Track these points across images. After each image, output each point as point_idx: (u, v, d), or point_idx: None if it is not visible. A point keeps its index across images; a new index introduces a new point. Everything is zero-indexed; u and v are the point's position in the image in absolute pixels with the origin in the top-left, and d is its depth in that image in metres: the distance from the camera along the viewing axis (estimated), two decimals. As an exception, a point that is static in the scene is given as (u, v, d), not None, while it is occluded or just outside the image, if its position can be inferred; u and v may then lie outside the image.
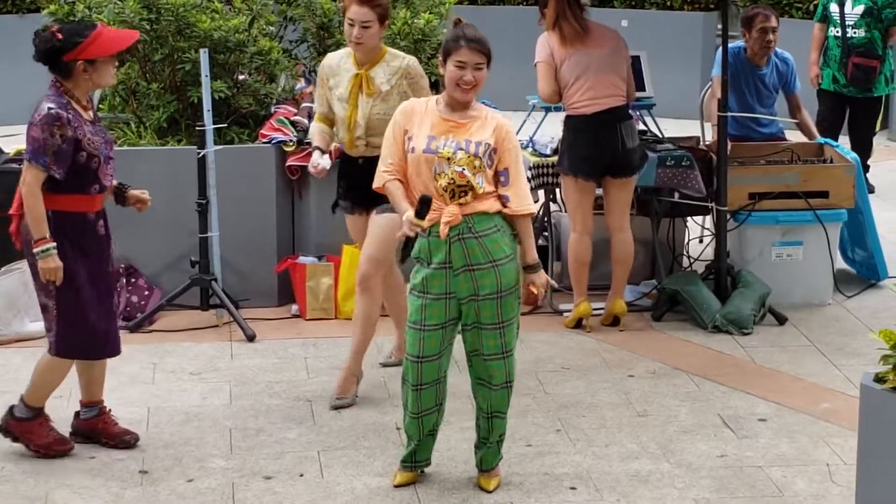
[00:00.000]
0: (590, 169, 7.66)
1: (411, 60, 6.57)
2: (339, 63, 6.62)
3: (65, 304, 5.92)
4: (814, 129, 8.86)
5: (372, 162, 6.04)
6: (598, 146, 7.59)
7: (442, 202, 5.50)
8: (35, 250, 5.82)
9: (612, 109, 7.62)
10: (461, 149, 5.49)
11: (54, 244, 5.81)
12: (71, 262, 5.90)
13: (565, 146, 7.75)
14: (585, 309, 7.74)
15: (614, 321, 7.82)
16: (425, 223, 5.44)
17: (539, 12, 7.82)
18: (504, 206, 5.55)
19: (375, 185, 5.67)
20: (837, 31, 10.16)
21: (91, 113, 6.02)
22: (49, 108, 5.82)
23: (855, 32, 10.15)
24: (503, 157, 5.54)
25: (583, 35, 7.63)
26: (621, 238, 7.78)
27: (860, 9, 10.15)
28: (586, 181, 7.66)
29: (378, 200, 6.24)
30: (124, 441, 6.23)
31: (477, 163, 5.49)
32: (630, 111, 7.81)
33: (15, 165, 7.80)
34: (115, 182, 6.13)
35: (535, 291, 5.69)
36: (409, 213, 5.44)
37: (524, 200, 5.58)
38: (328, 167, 6.66)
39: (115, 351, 6.13)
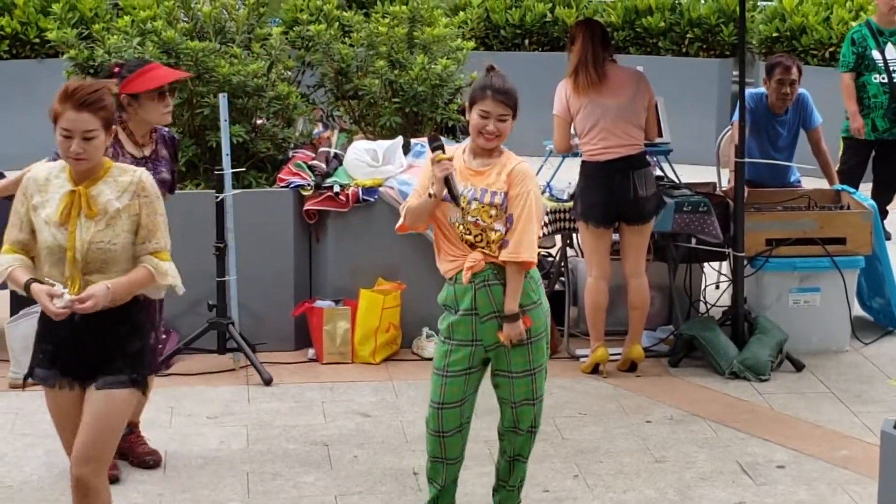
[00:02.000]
0: (601, 215, 7.66)
1: (143, 173, 4.99)
2: (48, 176, 4.97)
3: None
4: (833, 171, 8.84)
5: (92, 319, 4.88)
6: (609, 193, 7.61)
7: (466, 248, 5.50)
8: None
9: (625, 158, 7.63)
10: (476, 199, 5.48)
11: None
12: None
13: (579, 192, 7.79)
14: (602, 354, 7.73)
15: (631, 367, 7.81)
16: (444, 160, 5.40)
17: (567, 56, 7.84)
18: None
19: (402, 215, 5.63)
20: (882, 77, 10.09)
21: (148, 149, 6.27)
22: None
23: None
24: (511, 202, 5.49)
25: (598, 84, 7.63)
26: (637, 283, 7.77)
27: None
28: (597, 227, 7.67)
29: (101, 370, 4.95)
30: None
31: (493, 212, 5.47)
32: (648, 158, 7.82)
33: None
34: None
35: (502, 339, 5.49)
36: (431, 156, 5.44)
37: (517, 249, 5.44)
38: (68, 300, 4.81)
39: None
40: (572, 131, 7.83)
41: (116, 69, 6.27)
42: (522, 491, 5.84)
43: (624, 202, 7.60)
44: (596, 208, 7.65)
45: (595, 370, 7.78)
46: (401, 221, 5.65)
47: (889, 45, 10.16)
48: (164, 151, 6.39)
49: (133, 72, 6.22)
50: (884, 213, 10.27)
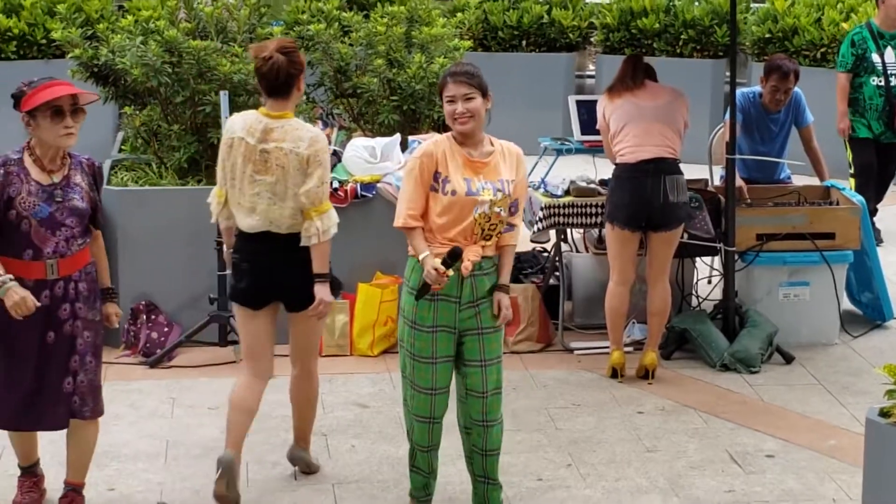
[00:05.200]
0: (626, 218, 7.55)
1: None
2: None
3: None
4: (825, 167, 8.84)
5: None
6: (637, 196, 7.51)
7: (469, 241, 5.56)
8: None
9: (657, 160, 7.53)
10: (499, 190, 5.57)
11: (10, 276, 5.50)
12: None
13: (608, 193, 7.73)
14: (617, 358, 7.67)
15: (646, 373, 7.67)
16: (450, 272, 5.46)
17: None
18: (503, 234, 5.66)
19: (397, 223, 5.62)
20: (879, 81, 10.06)
21: (58, 176, 5.61)
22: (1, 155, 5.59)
23: None
24: (516, 188, 5.65)
25: (635, 89, 7.63)
26: (660, 289, 7.68)
27: None
28: (623, 230, 7.57)
29: None
30: None
31: (508, 202, 5.61)
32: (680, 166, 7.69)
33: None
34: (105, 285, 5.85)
35: (501, 310, 5.61)
36: (435, 261, 5.44)
37: (517, 235, 5.73)
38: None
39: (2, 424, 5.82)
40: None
41: (23, 86, 5.59)
42: (511, 479, 5.92)
43: (652, 206, 7.50)
44: (622, 210, 7.55)
45: (615, 374, 7.70)
46: (401, 223, 5.65)
47: (889, 48, 10.12)
48: (79, 178, 5.68)
49: (29, 87, 5.55)
50: (873, 212, 10.36)
